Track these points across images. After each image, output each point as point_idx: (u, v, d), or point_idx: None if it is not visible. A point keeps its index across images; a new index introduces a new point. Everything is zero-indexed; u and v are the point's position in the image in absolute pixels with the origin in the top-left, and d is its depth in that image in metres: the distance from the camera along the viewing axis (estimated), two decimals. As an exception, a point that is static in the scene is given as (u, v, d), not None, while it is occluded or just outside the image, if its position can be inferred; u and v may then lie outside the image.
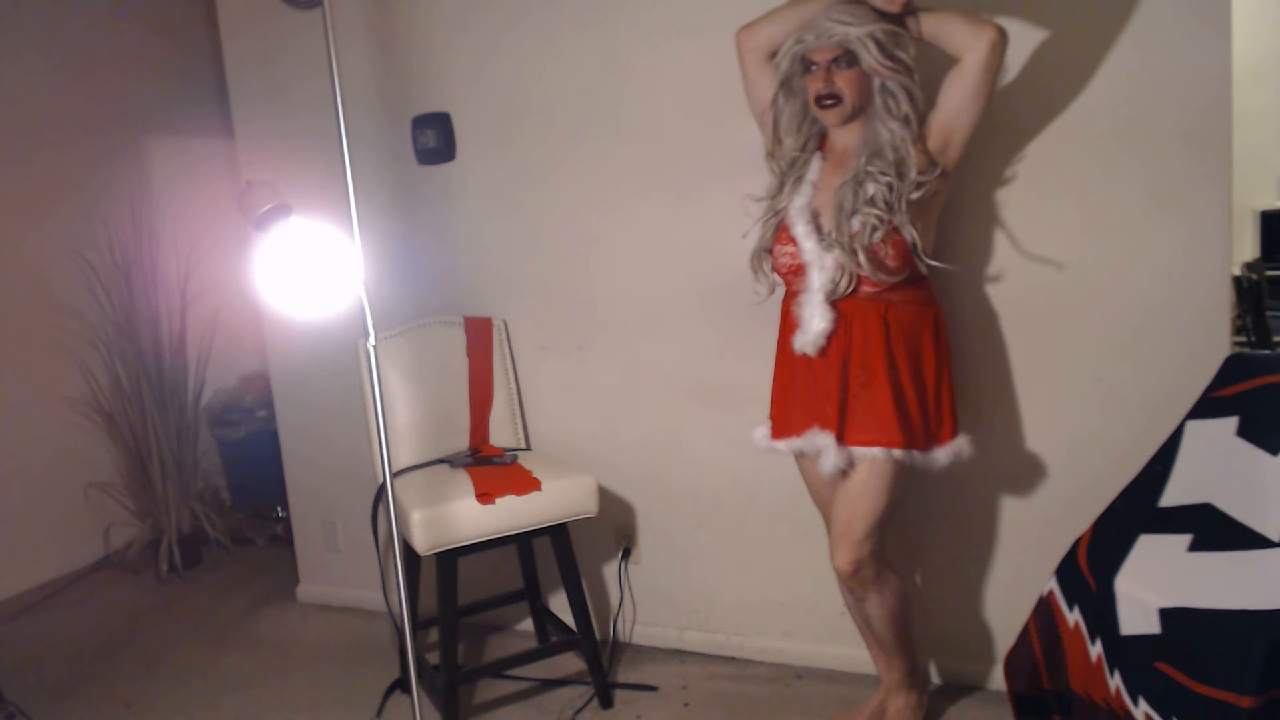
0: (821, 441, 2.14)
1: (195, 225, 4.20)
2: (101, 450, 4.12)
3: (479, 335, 3.00)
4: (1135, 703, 1.83)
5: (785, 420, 2.27)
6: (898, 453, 2.11)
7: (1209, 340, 2.26)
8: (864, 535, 2.17)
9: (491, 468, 2.79)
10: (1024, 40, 2.32)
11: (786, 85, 2.18)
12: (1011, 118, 2.36)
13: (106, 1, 4.17)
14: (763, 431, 2.34)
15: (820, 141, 2.25)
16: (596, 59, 2.80)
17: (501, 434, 3.01)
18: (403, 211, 3.14)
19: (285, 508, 3.86)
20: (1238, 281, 3.57)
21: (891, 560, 2.32)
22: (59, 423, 3.99)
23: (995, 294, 2.46)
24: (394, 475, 2.62)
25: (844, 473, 2.16)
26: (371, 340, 2.19)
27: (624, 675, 2.88)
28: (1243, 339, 3.62)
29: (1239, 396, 1.98)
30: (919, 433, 2.15)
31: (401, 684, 2.85)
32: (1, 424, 3.81)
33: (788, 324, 2.23)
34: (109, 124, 4.16)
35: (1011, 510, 2.54)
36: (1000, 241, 2.43)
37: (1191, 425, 2.02)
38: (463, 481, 2.67)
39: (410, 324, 2.94)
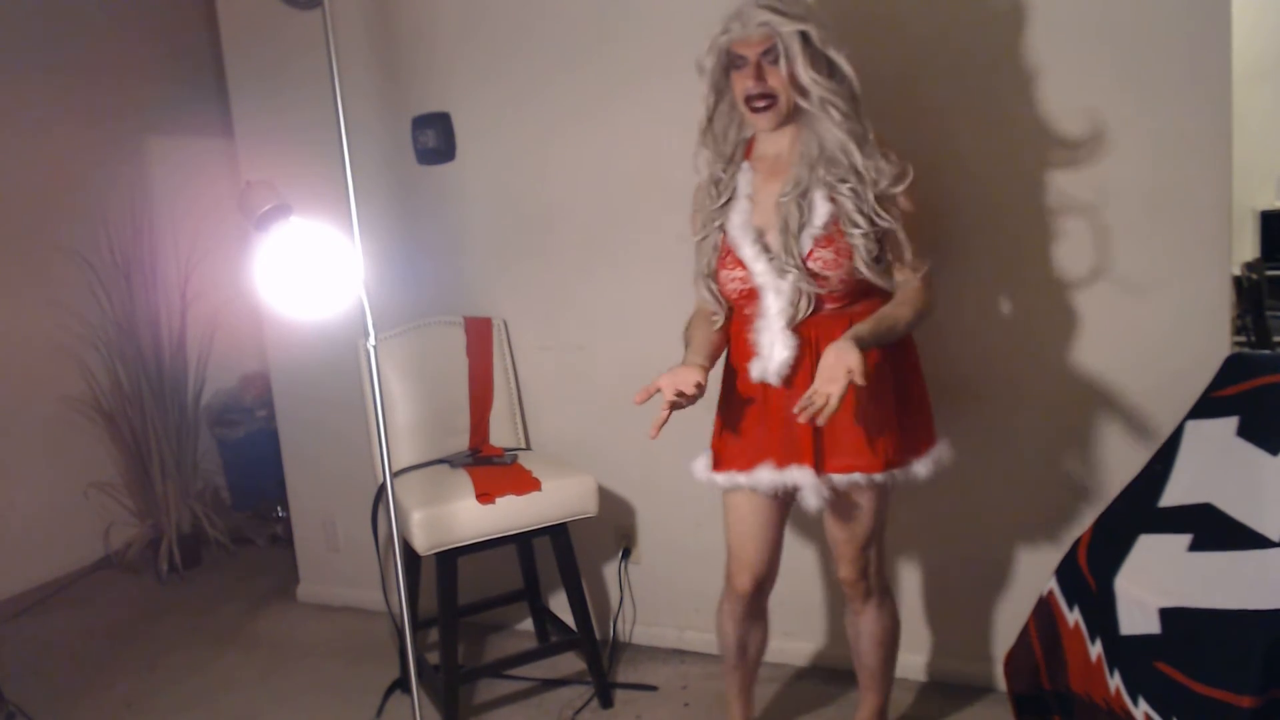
0: (800, 477, 1.98)
1: (195, 225, 4.20)
2: (101, 450, 4.12)
3: (479, 335, 3.00)
4: (1135, 703, 1.83)
5: (732, 452, 2.07)
6: (879, 476, 1.99)
7: (1209, 340, 2.26)
8: (864, 545, 2.11)
9: (491, 468, 2.78)
10: (1024, 38, 2.32)
11: (716, 89, 1.98)
12: (1009, 116, 2.36)
13: (106, 2, 4.17)
14: (703, 462, 2.14)
15: (745, 149, 2.06)
16: (599, 60, 2.80)
17: (501, 434, 3.00)
18: (403, 211, 3.14)
19: (285, 507, 3.86)
20: (1238, 281, 3.57)
21: (890, 575, 2.28)
22: (59, 423, 3.99)
23: (993, 294, 2.46)
24: (394, 475, 2.62)
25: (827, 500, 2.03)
26: (371, 340, 2.20)
27: (624, 675, 2.88)
28: (1243, 339, 3.62)
29: (1239, 396, 1.98)
30: (895, 450, 2.01)
31: (401, 684, 2.85)
32: (1, 424, 3.81)
33: (739, 349, 2.07)
34: (109, 123, 4.16)
35: (1009, 509, 2.53)
36: (998, 240, 2.43)
37: (1191, 425, 2.02)
38: (463, 481, 2.67)
39: (410, 324, 2.94)
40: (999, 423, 2.49)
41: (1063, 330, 2.40)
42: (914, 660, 2.66)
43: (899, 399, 2.04)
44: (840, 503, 2.05)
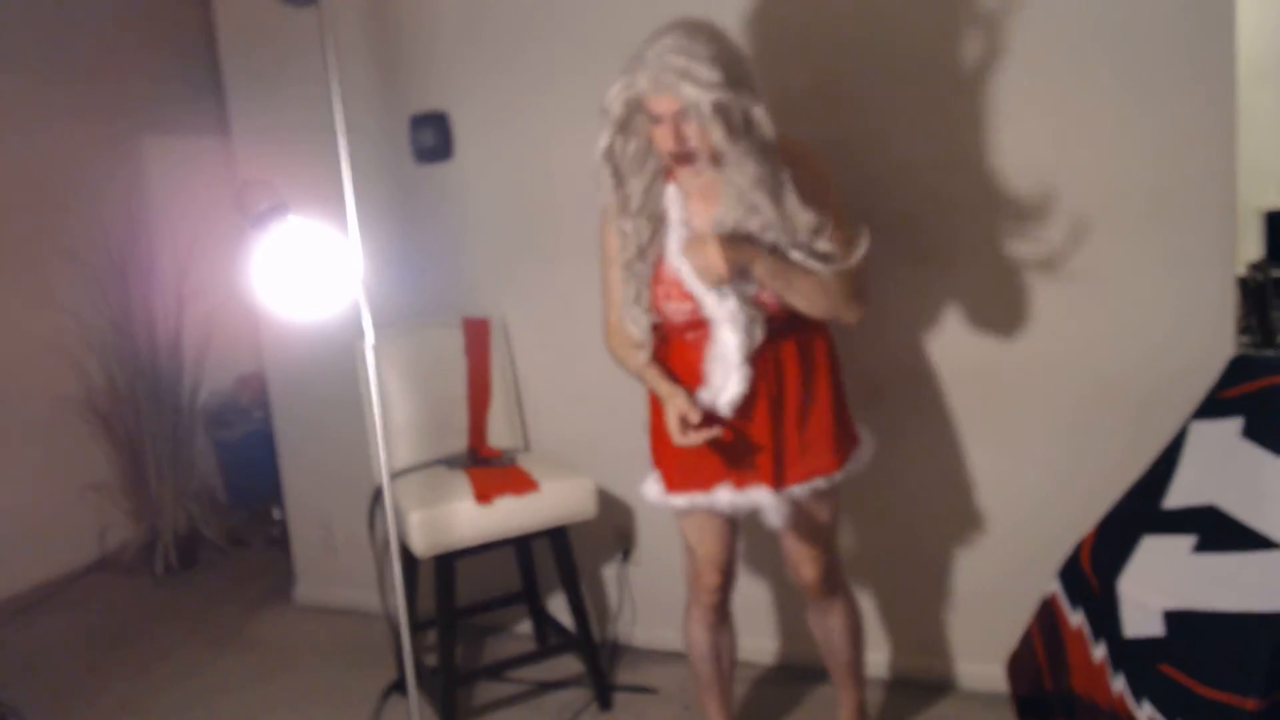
0: (760, 498, 1.98)
1: (192, 224, 4.18)
2: (97, 451, 4.11)
3: (477, 335, 2.99)
4: (1139, 705, 1.82)
5: (685, 471, 2.04)
6: (838, 475, 2.04)
7: (1214, 341, 2.26)
8: (824, 546, 2.14)
9: (490, 469, 2.77)
10: (1026, 37, 2.31)
11: (623, 129, 1.88)
12: (1011, 115, 2.35)
13: (102, 1, 4.16)
14: (654, 486, 2.11)
15: (668, 171, 1.95)
16: (600, 59, 2.78)
17: (500, 435, 2.99)
18: (401, 211, 3.13)
19: (282, 509, 3.84)
20: (1243, 282, 3.56)
21: (873, 560, 2.29)
22: (54, 423, 3.97)
23: (994, 291, 2.45)
24: (392, 476, 2.61)
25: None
26: (369, 340, 2.18)
27: (623, 677, 2.87)
28: (1248, 339, 3.61)
29: (1244, 397, 1.97)
30: (847, 444, 2.08)
31: (399, 686, 2.83)
32: (-3, 424, 3.80)
33: (681, 369, 2.01)
34: (105, 122, 4.14)
35: (1011, 511, 2.53)
36: (1000, 241, 2.41)
37: (1196, 426, 2.01)
38: (461, 482, 2.66)
39: (408, 324, 2.93)
40: (997, 422, 2.48)
41: (1064, 329, 2.40)
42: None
43: (832, 396, 2.06)
44: (799, 511, 2.05)
